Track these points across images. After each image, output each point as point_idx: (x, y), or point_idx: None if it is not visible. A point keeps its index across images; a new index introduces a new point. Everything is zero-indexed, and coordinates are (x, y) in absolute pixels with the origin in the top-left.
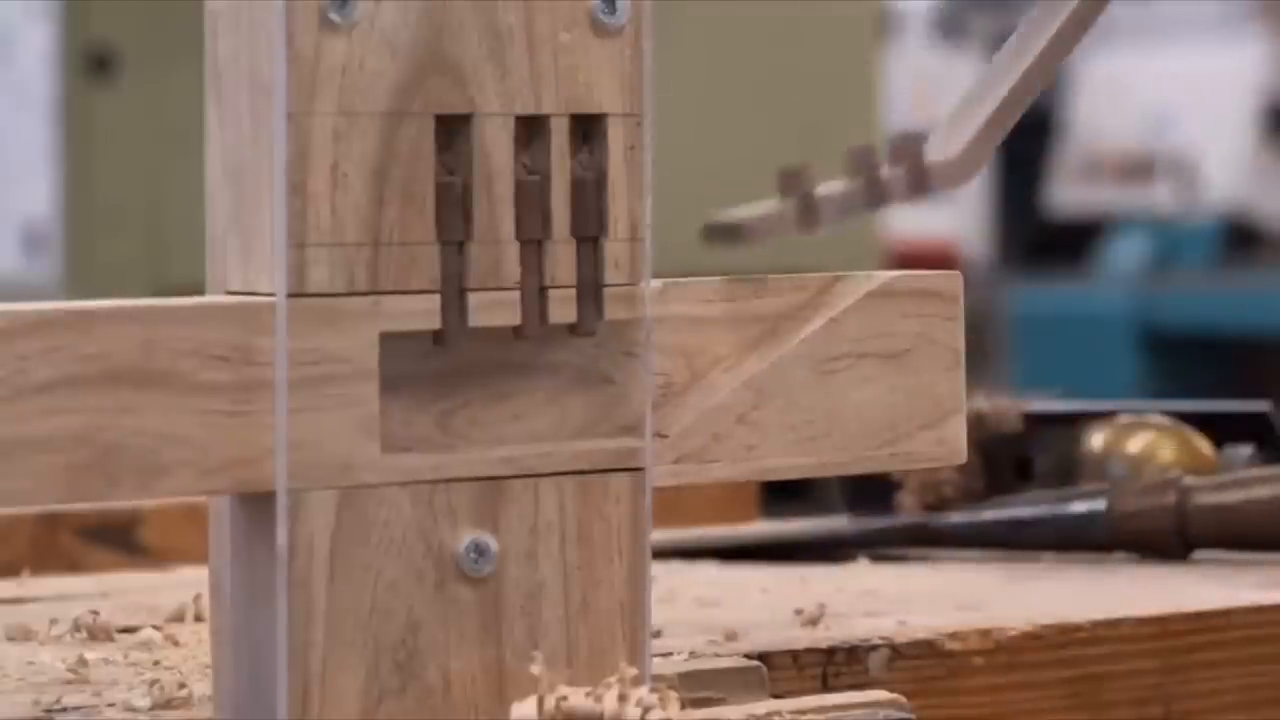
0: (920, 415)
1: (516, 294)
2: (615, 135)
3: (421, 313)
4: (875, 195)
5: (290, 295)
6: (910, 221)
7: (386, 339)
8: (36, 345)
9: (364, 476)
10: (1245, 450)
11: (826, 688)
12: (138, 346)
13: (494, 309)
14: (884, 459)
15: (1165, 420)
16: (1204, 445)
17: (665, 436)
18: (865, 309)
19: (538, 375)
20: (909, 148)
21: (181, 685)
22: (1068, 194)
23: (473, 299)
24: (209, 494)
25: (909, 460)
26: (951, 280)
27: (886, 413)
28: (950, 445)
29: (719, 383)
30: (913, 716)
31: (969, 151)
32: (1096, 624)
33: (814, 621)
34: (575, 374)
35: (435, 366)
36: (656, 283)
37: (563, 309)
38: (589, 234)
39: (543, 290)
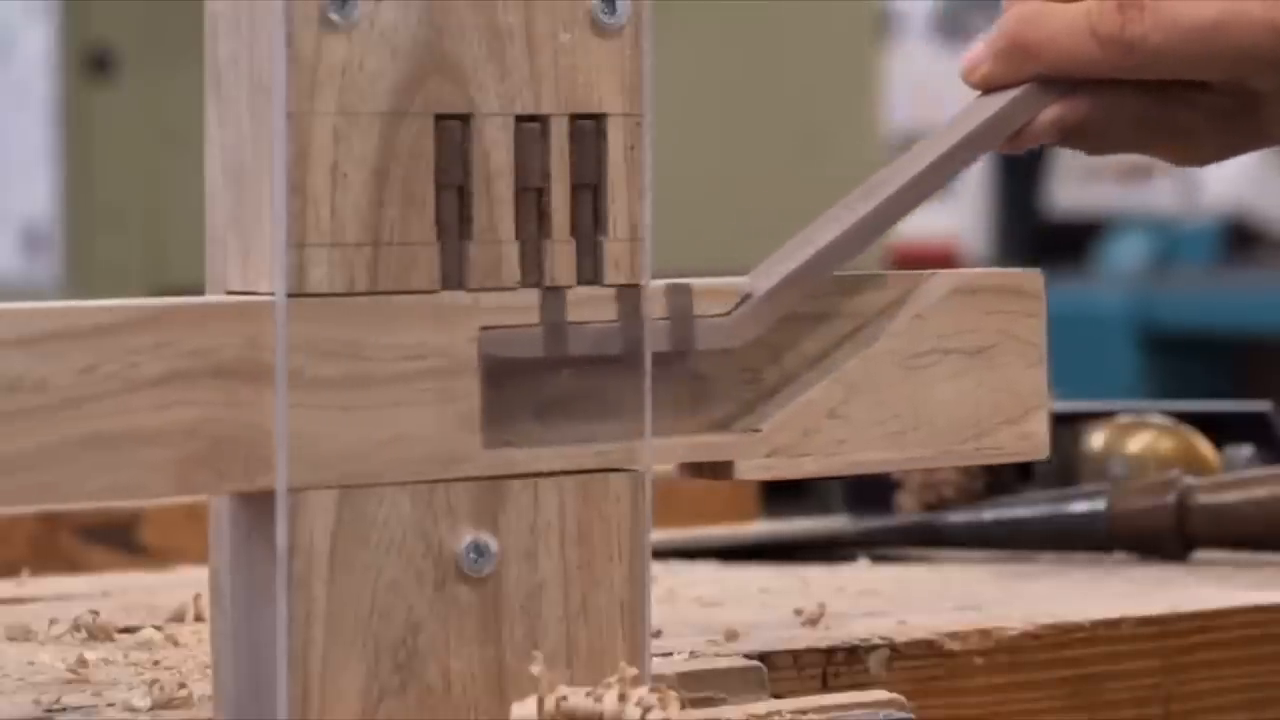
0: (1003, 410)
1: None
2: (615, 135)
3: (521, 308)
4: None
5: (288, 294)
6: (910, 221)
7: (486, 333)
8: (148, 340)
9: (467, 470)
10: (1245, 450)
11: (826, 688)
12: (245, 341)
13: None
14: (969, 453)
15: (1165, 420)
16: (1204, 445)
17: (758, 431)
18: (950, 306)
19: (633, 370)
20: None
21: (181, 685)
22: (1068, 194)
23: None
24: (315, 488)
25: (993, 455)
26: (1033, 278)
27: (971, 408)
28: (1033, 440)
29: (809, 379)
30: (913, 716)
31: (754, 309)
32: (1096, 624)
33: (814, 621)
34: (667, 371)
35: (533, 360)
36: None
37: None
38: (589, 234)
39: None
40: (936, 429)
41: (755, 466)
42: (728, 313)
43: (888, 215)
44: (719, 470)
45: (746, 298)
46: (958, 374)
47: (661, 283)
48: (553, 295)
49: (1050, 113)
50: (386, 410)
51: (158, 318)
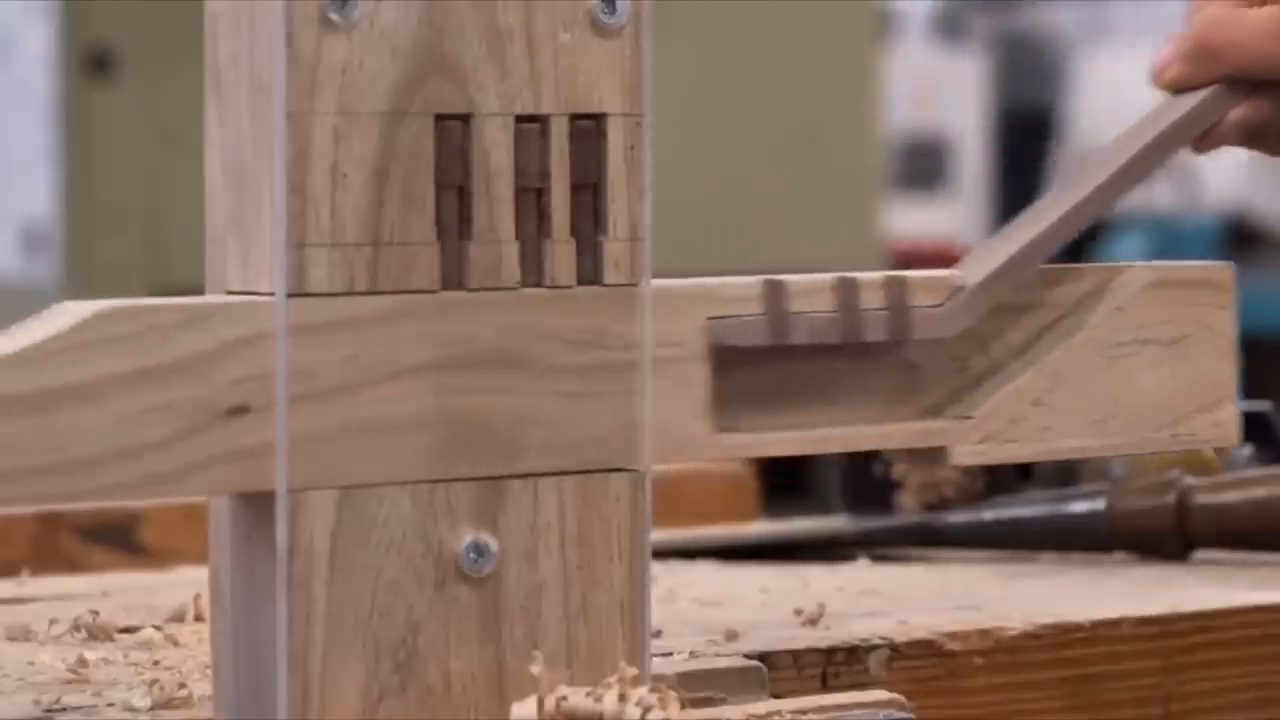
0: (1197, 399)
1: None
2: (615, 135)
3: (744, 298)
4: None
5: (288, 294)
6: (910, 221)
7: (714, 322)
8: (410, 329)
9: (697, 454)
10: (1245, 450)
11: (826, 688)
12: (500, 331)
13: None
14: (1165, 440)
15: None
16: None
17: (970, 418)
18: (1147, 298)
19: (849, 358)
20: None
21: (181, 685)
22: None
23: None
24: (562, 473)
25: (1188, 441)
26: (1224, 271)
27: (1168, 396)
28: (1225, 428)
29: (1015, 368)
30: (913, 716)
31: (967, 300)
32: (1096, 624)
33: (814, 621)
34: (883, 359)
35: (757, 349)
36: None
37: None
38: (589, 234)
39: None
40: (1135, 417)
41: (968, 452)
42: (941, 304)
43: (1087, 210)
44: (932, 456)
45: (959, 290)
46: (1155, 364)
47: (879, 275)
48: (774, 286)
49: (1236, 114)
50: (626, 396)
51: (416, 310)
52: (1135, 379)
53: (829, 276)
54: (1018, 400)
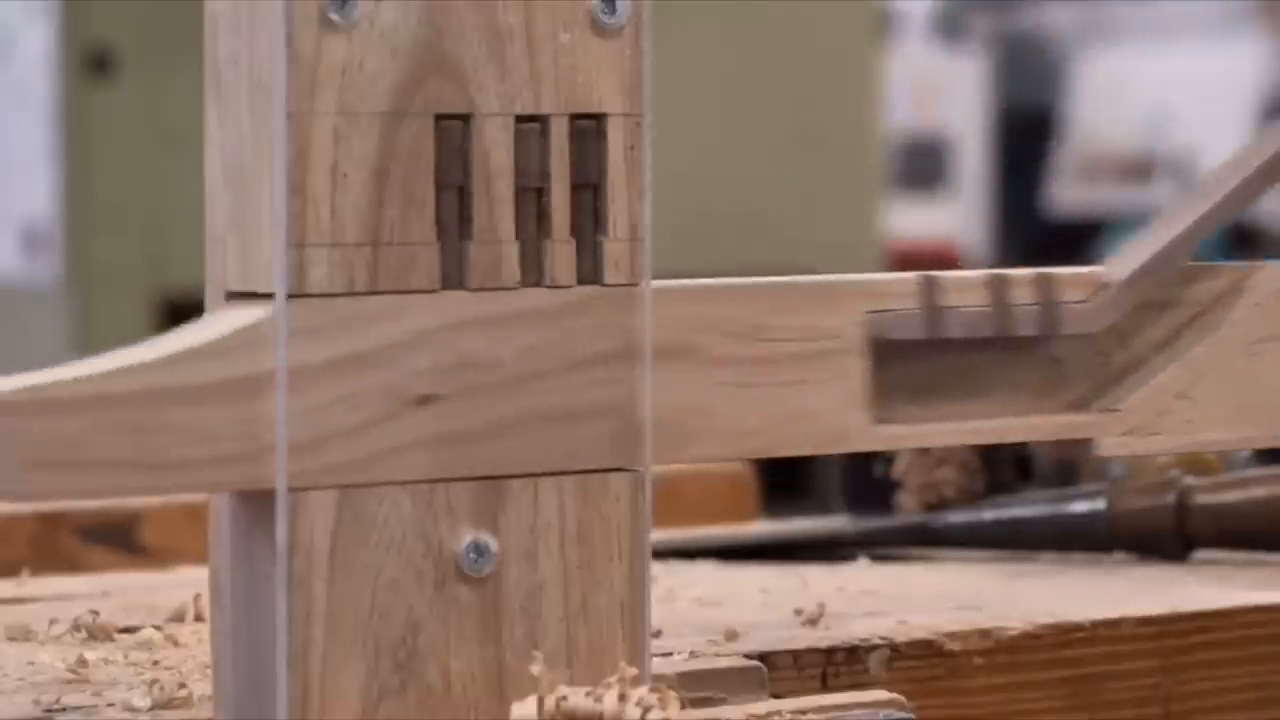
0: None
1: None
2: (615, 135)
3: (904, 293)
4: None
5: (290, 295)
6: (910, 221)
7: (872, 316)
8: (585, 322)
9: (856, 444)
10: (1245, 450)
11: (826, 688)
12: (668, 323)
13: None
14: None
15: None
16: None
17: (1116, 411)
18: None
19: (998, 352)
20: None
21: (181, 685)
22: (1068, 194)
23: None
24: (725, 460)
25: None
26: None
27: None
28: None
29: (1157, 363)
30: (913, 716)
31: (1114, 296)
32: (1096, 624)
33: (814, 621)
34: (1030, 353)
35: (912, 342)
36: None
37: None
38: (589, 234)
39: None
40: (1274, 410)
41: (1114, 444)
42: (1087, 300)
43: (1228, 208)
44: (1078, 446)
45: (1105, 286)
46: None
47: (1030, 271)
48: (930, 281)
49: None
50: (785, 388)
51: (591, 303)
52: (1273, 374)
53: (981, 273)
54: (1162, 394)
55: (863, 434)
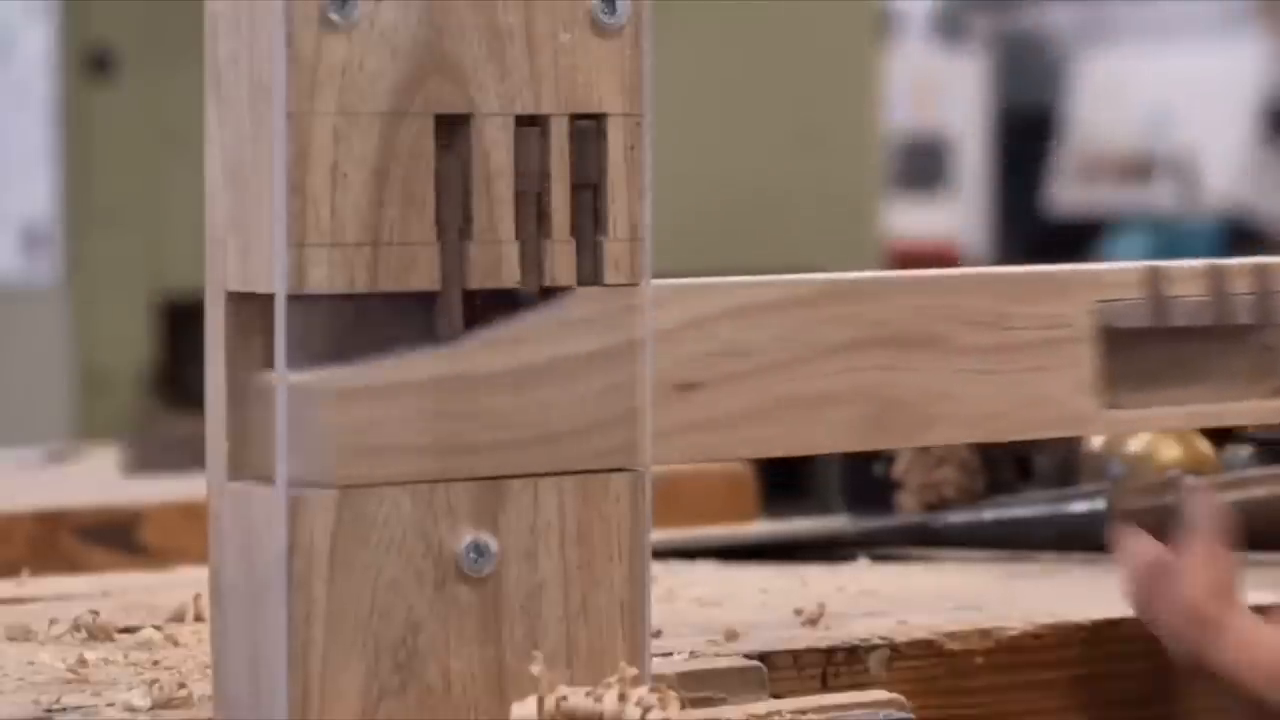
0: None
1: None
2: (615, 135)
3: (1129, 283)
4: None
5: (290, 296)
6: (910, 221)
7: (1103, 305)
8: (830, 312)
9: (1089, 429)
10: (1245, 450)
11: (826, 688)
12: (916, 311)
13: None
14: None
15: None
16: (1204, 445)
17: None
18: None
19: (1216, 340)
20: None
21: (181, 685)
22: (1068, 194)
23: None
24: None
25: None
26: None
27: None
28: None
29: None
30: (913, 716)
31: None
32: (1096, 624)
33: (814, 621)
34: (1244, 341)
35: (1138, 330)
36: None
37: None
38: (589, 234)
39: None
40: None
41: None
42: None
43: None
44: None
45: None
46: None
47: (1247, 261)
48: (1154, 271)
49: None
50: (1024, 374)
51: (842, 291)
52: None
53: (1201, 263)
54: None
55: (1095, 419)
